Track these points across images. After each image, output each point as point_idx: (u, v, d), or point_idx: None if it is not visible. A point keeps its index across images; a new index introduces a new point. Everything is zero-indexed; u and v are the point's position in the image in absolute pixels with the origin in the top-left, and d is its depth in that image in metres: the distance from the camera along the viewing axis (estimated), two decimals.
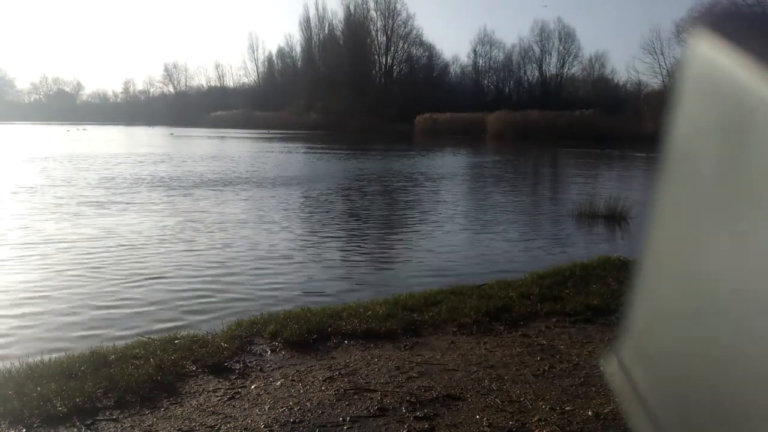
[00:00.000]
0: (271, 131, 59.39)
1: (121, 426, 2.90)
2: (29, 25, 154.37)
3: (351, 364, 3.64)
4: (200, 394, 3.24)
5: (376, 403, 3.12)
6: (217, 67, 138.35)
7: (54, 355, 3.70)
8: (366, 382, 3.38)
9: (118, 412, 3.03)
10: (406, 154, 29.59)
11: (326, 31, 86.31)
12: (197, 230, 8.94)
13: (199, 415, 3.00)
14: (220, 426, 2.88)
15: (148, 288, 5.85)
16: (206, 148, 32.92)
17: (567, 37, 74.65)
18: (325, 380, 3.40)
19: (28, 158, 22.33)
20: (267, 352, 3.86)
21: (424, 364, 3.64)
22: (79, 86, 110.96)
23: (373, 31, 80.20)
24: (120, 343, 4.00)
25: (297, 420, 2.93)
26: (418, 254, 7.75)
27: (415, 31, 80.00)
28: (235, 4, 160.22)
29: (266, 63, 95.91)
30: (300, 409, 3.05)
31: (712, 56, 0.36)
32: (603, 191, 13.38)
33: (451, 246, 8.28)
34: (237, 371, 3.54)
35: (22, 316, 4.99)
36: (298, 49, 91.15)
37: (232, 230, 9.01)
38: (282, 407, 3.07)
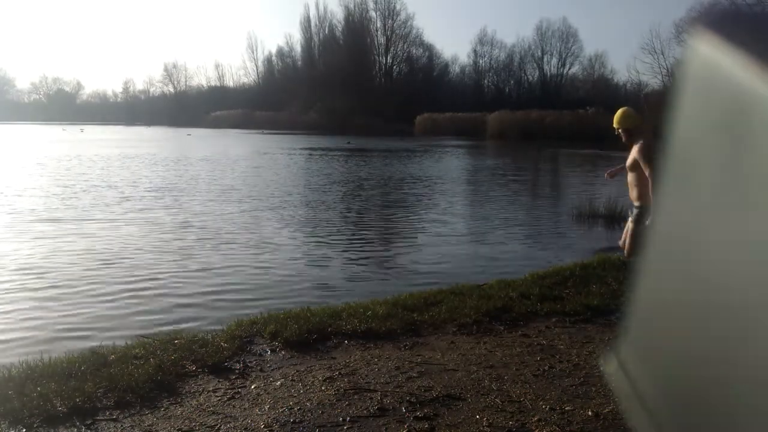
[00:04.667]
0: (265, 131, 59.30)
1: (121, 426, 2.89)
2: (29, 25, 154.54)
3: (351, 364, 3.64)
4: (200, 394, 3.24)
5: (376, 403, 3.11)
6: (217, 67, 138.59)
7: (54, 355, 3.70)
8: (366, 382, 3.37)
9: (118, 412, 3.02)
10: (405, 155, 29.59)
11: (326, 31, 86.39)
12: (196, 231, 8.94)
13: (199, 415, 2.99)
14: (220, 426, 2.88)
15: (147, 288, 5.85)
16: (224, 148, 32.96)
17: (569, 37, 74.81)
18: (325, 380, 3.40)
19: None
20: (267, 352, 3.86)
21: (424, 364, 3.64)
22: (79, 86, 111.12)
23: (372, 31, 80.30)
24: (120, 343, 4.00)
25: (297, 420, 2.93)
26: (418, 254, 7.75)
27: (414, 31, 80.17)
28: (235, 4, 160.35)
29: (266, 63, 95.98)
30: (300, 409, 3.05)
31: (712, 56, 0.36)
32: (603, 191, 13.38)
33: (452, 246, 8.28)
34: (237, 371, 3.54)
35: (22, 316, 4.99)
36: (298, 49, 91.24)
37: (232, 231, 9.01)
38: (282, 407, 3.07)
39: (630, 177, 7.00)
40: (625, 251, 6.91)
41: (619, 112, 6.89)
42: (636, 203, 6.83)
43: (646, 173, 6.50)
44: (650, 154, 6.49)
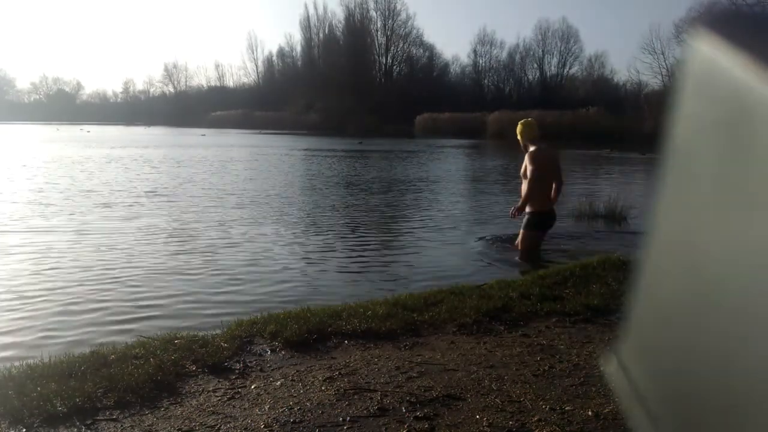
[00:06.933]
0: (264, 132, 59.24)
1: (121, 426, 2.89)
2: (29, 25, 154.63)
3: (351, 364, 3.64)
4: (200, 394, 3.24)
5: (376, 403, 3.11)
6: (217, 67, 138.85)
7: (54, 355, 3.70)
8: (366, 382, 3.37)
9: (118, 412, 3.02)
10: (405, 156, 29.59)
11: (326, 31, 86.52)
12: (195, 230, 8.94)
13: (199, 415, 2.99)
14: (220, 426, 2.88)
15: (147, 288, 5.85)
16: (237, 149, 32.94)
17: (569, 36, 74.94)
18: (325, 380, 3.40)
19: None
20: (267, 352, 3.86)
21: (424, 364, 3.64)
22: (79, 86, 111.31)
23: (373, 31, 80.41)
24: (120, 343, 3.99)
25: (297, 420, 2.93)
26: (418, 254, 7.75)
27: (415, 32, 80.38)
28: (235, 4, 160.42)
29: (266, 63, 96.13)
30: (300, 409, 3.05)
31: (712, 56, 0.36)
32: (602, 192, 13.37)
33: (451, 246, 8.28)
34: (237, 371, 3.54)
35: (21, 317, 4.99)
36: (298, 49, 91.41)
37: (231, 231, 9.00)
38: (282, 407, 3.07)
39: (524, 184, 7.51)
40: (519, 254, 7.31)
41: (521, 123, 7.40)
42: (527, 209, 7.35)
43: (528, 174, 6.98)
44: (536, 162, 7.01)
